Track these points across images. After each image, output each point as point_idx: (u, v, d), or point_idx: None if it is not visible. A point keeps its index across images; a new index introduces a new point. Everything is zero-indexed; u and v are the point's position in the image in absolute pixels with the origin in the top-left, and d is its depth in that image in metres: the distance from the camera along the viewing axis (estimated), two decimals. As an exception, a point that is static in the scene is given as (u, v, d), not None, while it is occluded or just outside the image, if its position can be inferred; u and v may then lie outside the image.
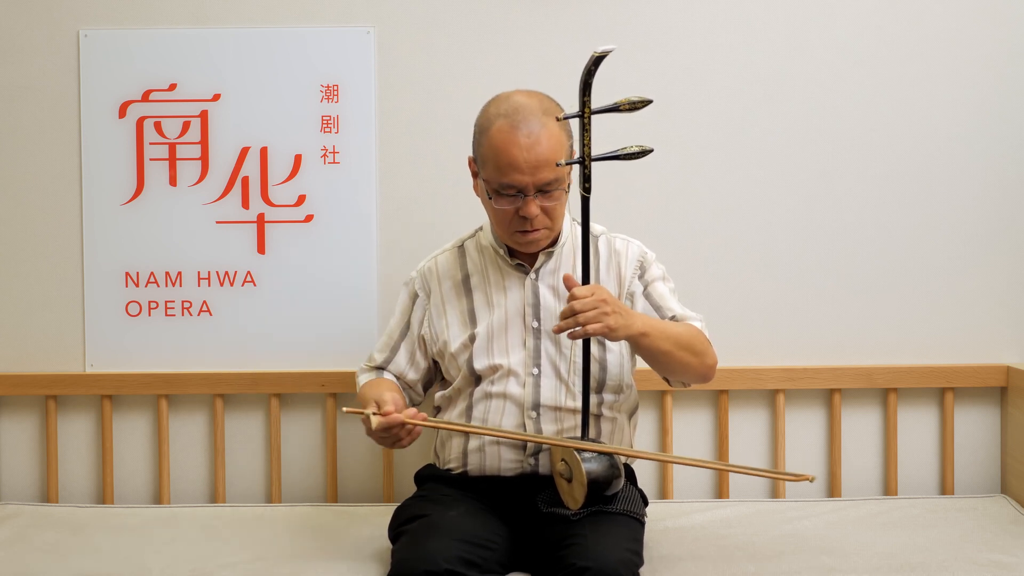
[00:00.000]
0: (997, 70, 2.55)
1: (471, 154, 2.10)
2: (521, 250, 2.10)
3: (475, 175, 2.10)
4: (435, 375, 2.24)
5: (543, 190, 1.98)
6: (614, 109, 1.89)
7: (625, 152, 1.91)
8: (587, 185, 1.91)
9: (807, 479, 1.92)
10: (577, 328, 1.86)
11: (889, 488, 2.56)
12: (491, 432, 2.02)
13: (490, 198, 2.02)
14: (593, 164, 1.91)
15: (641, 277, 2.14)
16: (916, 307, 2.58)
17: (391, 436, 1.93)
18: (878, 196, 2.57)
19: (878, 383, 2.54)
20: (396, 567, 1.87)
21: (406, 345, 2.21)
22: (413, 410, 1.95)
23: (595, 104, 1.89)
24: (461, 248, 2.21)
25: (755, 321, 2.57)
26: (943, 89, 2.56)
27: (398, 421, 1.90)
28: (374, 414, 1.90)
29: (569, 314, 1.87)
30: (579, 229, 2.09)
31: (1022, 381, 2.48)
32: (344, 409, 1.95)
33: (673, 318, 2.09)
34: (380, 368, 2.22)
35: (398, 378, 2.20)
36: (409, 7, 2.54)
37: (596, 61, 1.86)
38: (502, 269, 2.14)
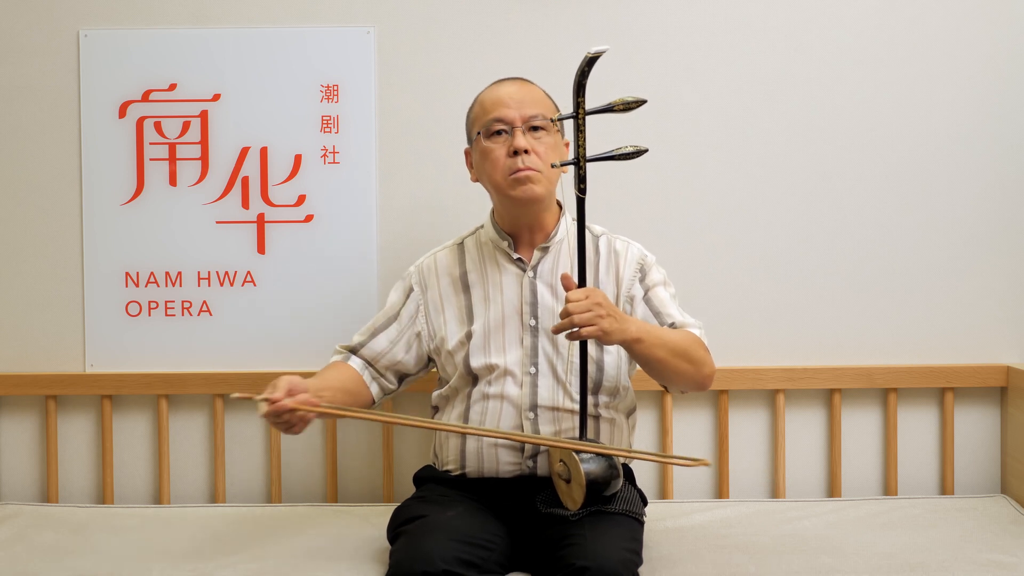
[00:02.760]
0: (997, 70, 2.55)
1: (467, 146, 2.15)
2: (519, 198, 2.05)
3: (472, 167, 2.14)
4: (418, 372, 2.21)
5: (532, 128, 2.04)
6: (608, 110, 1.89)
7: (620, 152, 1.91)
8: (582, 186, 1.91)
9: (703, 464, 1.88)
10: (573, 329, 1.86)
11: (889, 488, 2.56)
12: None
13: (484, 139, 2.06)
14: (589, 165, 1.91)
15: (642, 281, 2.13)
16: (916, 307, 2.58)
17: (283, 422, 1.88)
18: (878, 196, 2.57)
19: (878, 383, 2.54)
20: (394, 568, 1.87)
21: (388, 332, 2.18)
22: (305, 396, 1.88)
23: (590, 105, 1.89)
24: (461, 245, 2.21)
25: (755, 321, 2.57)
26: (943, 89, 2.55)
27: (285, 408, 1.85)
28: (263, 400, 1.85)
29: (564, 316, 1.87)
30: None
31: (1022, 381, 2.47)
32: (233, 395, 1.88)
33: (672, 325, 2.08)
34: (353, 351, 2.19)
35: (371, 363, 2.18)
36: (409, 7, 2.54)
37: (590, 62, 1.86)
38: (501, 266, 2.14)
